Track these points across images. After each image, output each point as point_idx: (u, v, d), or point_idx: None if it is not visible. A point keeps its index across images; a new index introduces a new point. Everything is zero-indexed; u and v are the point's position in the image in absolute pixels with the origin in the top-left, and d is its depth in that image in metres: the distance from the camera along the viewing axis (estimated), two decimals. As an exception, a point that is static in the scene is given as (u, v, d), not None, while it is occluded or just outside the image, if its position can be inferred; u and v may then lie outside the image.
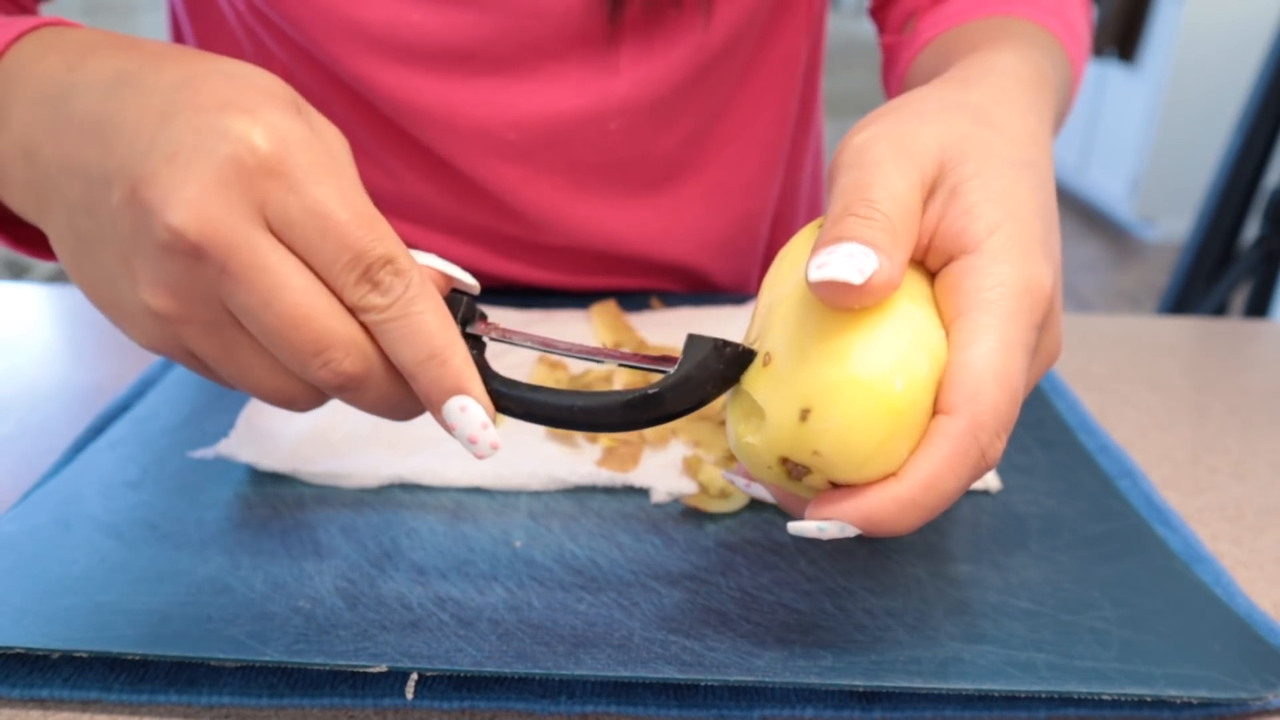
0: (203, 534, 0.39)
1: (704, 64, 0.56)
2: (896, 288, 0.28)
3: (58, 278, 2.76)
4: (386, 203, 0.60)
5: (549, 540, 0.39)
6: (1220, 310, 1.47)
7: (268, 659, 0.32)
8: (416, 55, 0.52)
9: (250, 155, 0.28)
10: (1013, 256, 0.29)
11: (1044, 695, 0.32)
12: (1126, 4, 3.19)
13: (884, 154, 0.30)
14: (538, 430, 0.46)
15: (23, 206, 0.33)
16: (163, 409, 0.48)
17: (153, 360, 0.55)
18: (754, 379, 0.29)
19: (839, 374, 0.27)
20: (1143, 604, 0.36)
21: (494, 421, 0.31)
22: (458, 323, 0.32)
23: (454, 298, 0.33)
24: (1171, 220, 3.21)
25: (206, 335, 0.30)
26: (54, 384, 0.55)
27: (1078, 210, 3.59)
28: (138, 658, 0.32)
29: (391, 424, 0.46)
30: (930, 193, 0.30)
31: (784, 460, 0.29)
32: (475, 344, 0.33)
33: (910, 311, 0.28)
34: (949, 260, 0.30)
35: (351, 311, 0.30)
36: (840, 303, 0.27)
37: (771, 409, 0.28)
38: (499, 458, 0.44)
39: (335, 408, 0.47)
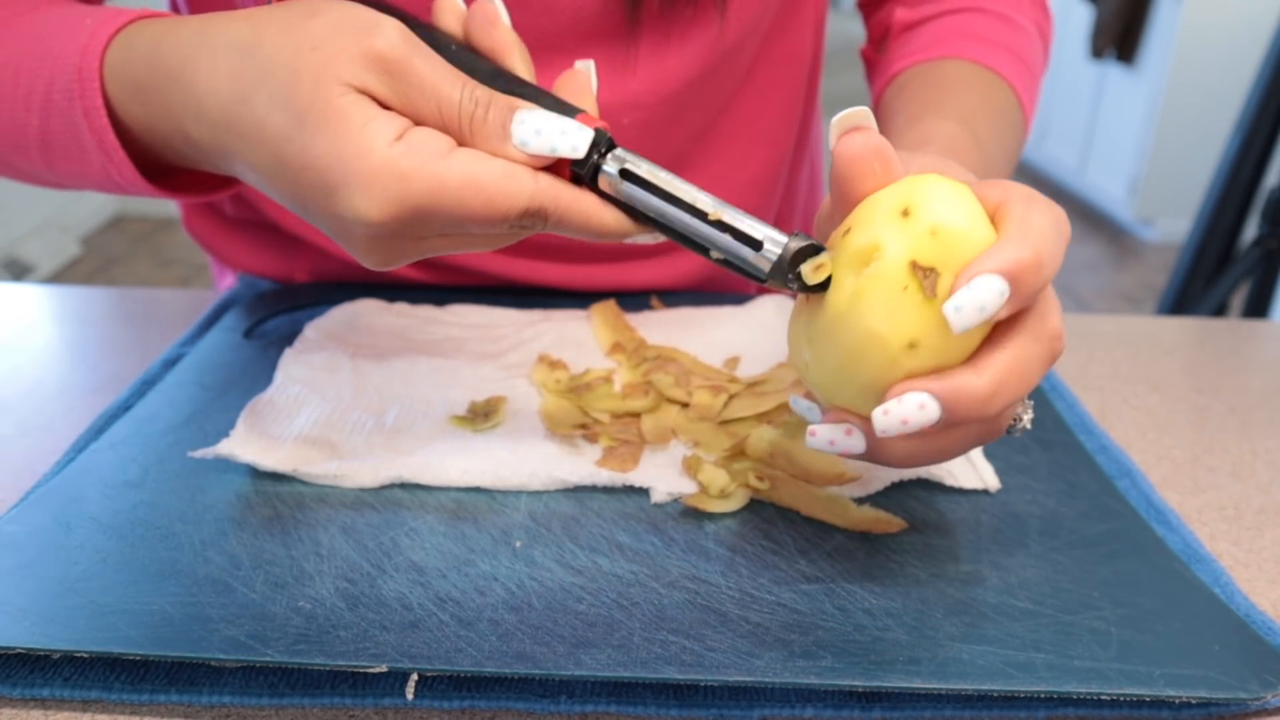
0: (203, 534, 0.39)
1: (717, 59, 0.57)
2: None
3: (58, 278, 2.76)
4: None
5: (549, 540, 0.39)
6: (1219, 310, 1.47)
7: (268, 659, 0.32)
8: None
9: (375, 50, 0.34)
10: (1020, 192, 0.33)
11: (1043, 695, 0.32)
12: (1125, 5, 3.19)
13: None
14: (538, 430, 0.46)
15: (214, 155, 0.38)
16: (163, 409, 0.48)
17: (152, 361, 0.55)
18: (842, 247, 0.32)
19: (908, 184, 0.32)
20: (1142, 604, 0.36)
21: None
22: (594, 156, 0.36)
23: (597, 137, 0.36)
24: (1171, 221, 3.21)
25: (413, 247, 0.37)
26: (55, 384, 0.55)
27: (1077, 211, 3.59)
28: (138, 658, 0.32)
29: (392, 424, 0.46)
30: None
31: (913, 265, 0.30)
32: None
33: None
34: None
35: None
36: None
37: (879, 232, 0.31)
38: (499, 458, 0.44)
39: (335, 408, 0.47)
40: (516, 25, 0.52)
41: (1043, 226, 0.31)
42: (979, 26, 0.57)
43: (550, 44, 0.53)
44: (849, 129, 0.33)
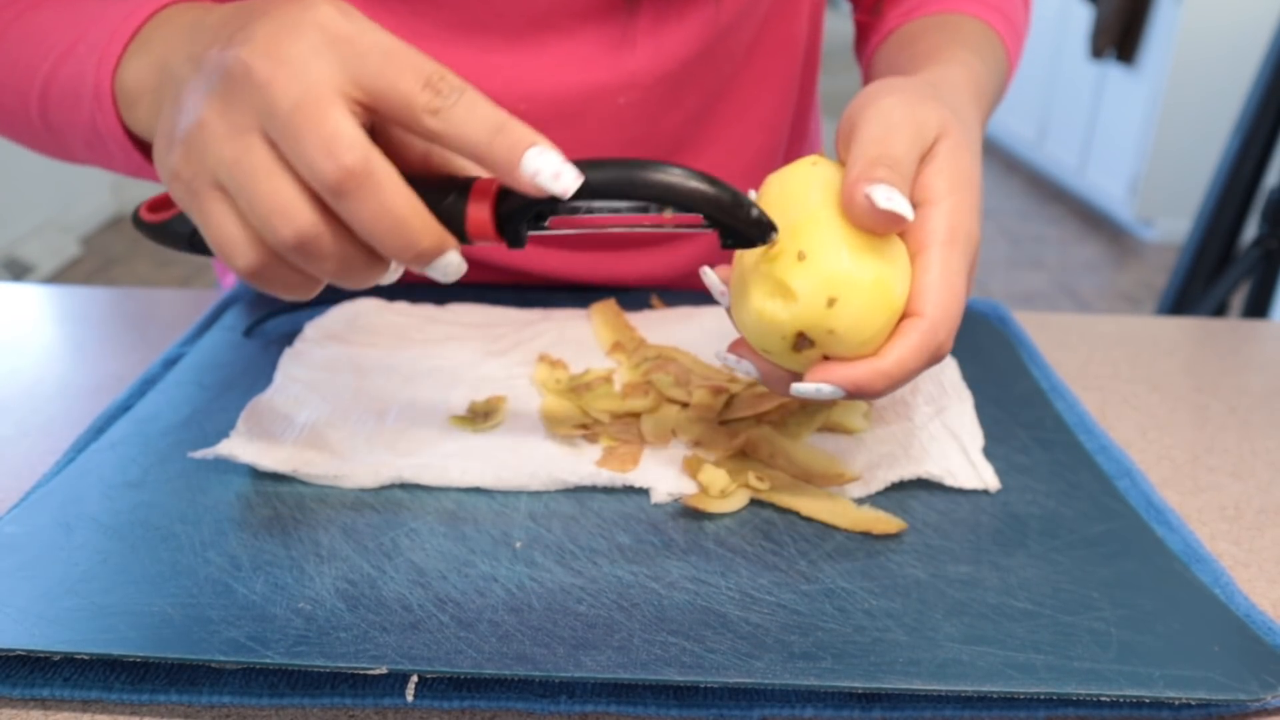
0: (203, 535, 0.39)
1: (713, 38, 0.57)
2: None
3: (58, 278, 2.76)
4: None
5: (549, 541, 0.39)
6: (1220, 310, 1.47)
7: (268, 661, 0.32)
8: (428, 28, 0.53)
9: (327, 22, 0.33)
10: (962, 214, 0.38)
11: (1043, 696, 0.32)
12: (1125, 5, 3.19)
13: (904, 121, 0.38)
14: (538, 430, 0.46)
15: (147, 119, 0.41)
16: (163, 409, 0.48)
17: (152, 361, 0.55)
18: (789, 269, 0.36)
19: (864, 276, 0.35)
20: (1142, 604, 0.36)
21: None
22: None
23: None
24: (1171, 221, 3.21)
25: (229, 141, 0.34)
26: (54, 385, 0.55)
27: (1077, 211, 3.59)
28: (139, 659, 0.32)
29: (392, 424, 0.46)
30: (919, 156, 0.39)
31: (800, 334, 0.36)
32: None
33: (898, 242, 0.38)
34: (917, 203, 0.38)
35: (422, 135, 0.34)
36: (881, 228, 0.36)
37: (804, 293, 0.36)
38: (499, 459, 0.44)
39: (335, 407, 0.47)
40: (512, 7, 0.53)
41: (945, 312, 0.37)
42: None
43: (550, 23, 0.54)
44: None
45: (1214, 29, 2.99)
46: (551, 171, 0.33)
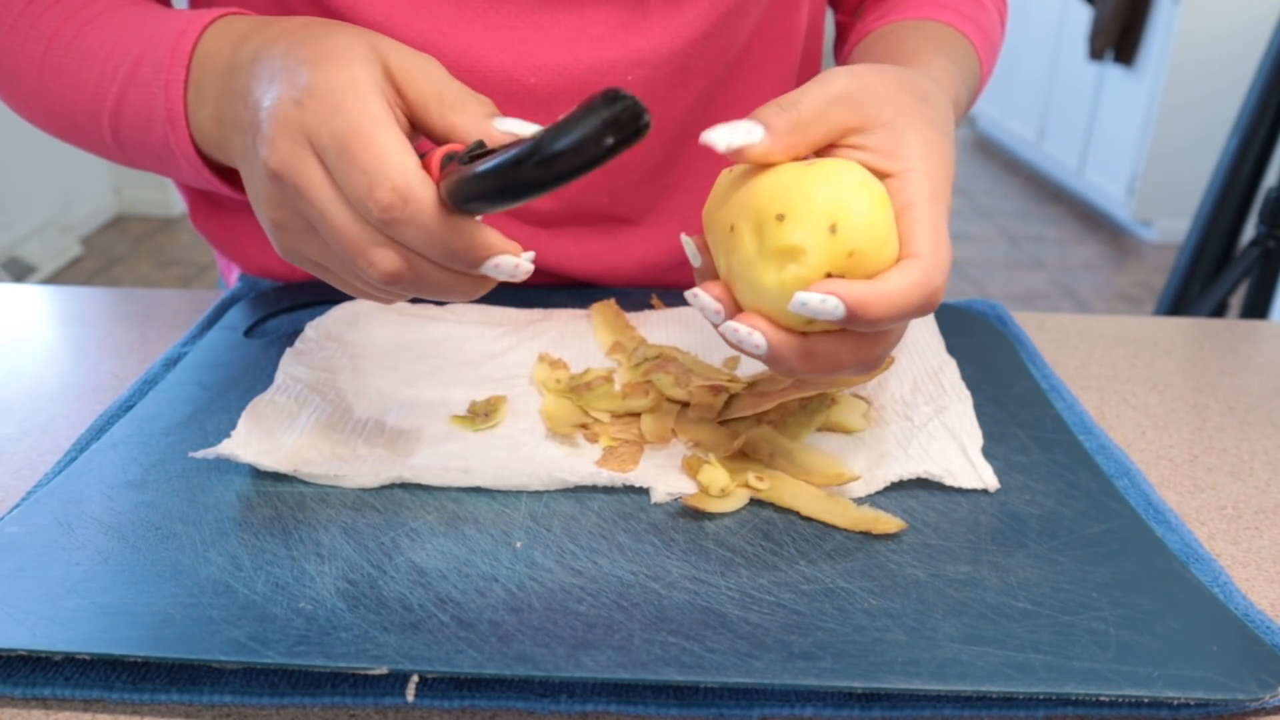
0: (204, 535, 0.39)
1: (720, 19, 0.58)
2: (772, 155, 0.38)
3: (59, 278, 2.76)
4: None
5: (549, 541, 0.39)
6: (1218, 310, 1.47)
7: (269, 661, 0.32)
8: (440, 3, 0.53)
9: (296, 93, 0.36)
10: (938, 176, 0.39)
11: (1042, 696, 0.32)
12: (1124, 6, 3.19)
13: (836, 79, 0.39)
14: (538, 430, 0.47)
15: (226, 157, 0.44)
16: (164, 409, 0.48)
17: (153, 361, 0.56)
18: (780, 233, 0.36)
19: (842, 191, 0.36)
20: (1141, 604, 0.37)
21: (522, 256, 0.36)
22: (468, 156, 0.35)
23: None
24: (1169, 221, 3.22)
25: (304, 239, 0.38)
26: (56, 385, 0.55)
27: (1076, 211, 3.59)
28: (140, 659, 0.33)
29: (392, 424, 0.46)
30: (857, 128, 0.39)
31: (829, 274, 0.36)
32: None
33: (853, 162, 0.38)
34: (895, 171, 0.38)
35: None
36: (747, 159, 0.37)
37: (808, 240, 0.36)
38: (499, 458, 0.44)
39: (335, 407, 0.47)
40: None
41: (943, 259, 0.37)
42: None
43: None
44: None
45: (1213, 30, 3.00)
46: (508, 275, 0.36)
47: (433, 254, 0.35)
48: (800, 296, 0.36)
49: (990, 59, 0.63)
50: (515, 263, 0.36)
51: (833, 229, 0.35)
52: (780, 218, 0.36)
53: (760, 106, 0.38)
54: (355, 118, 0.35)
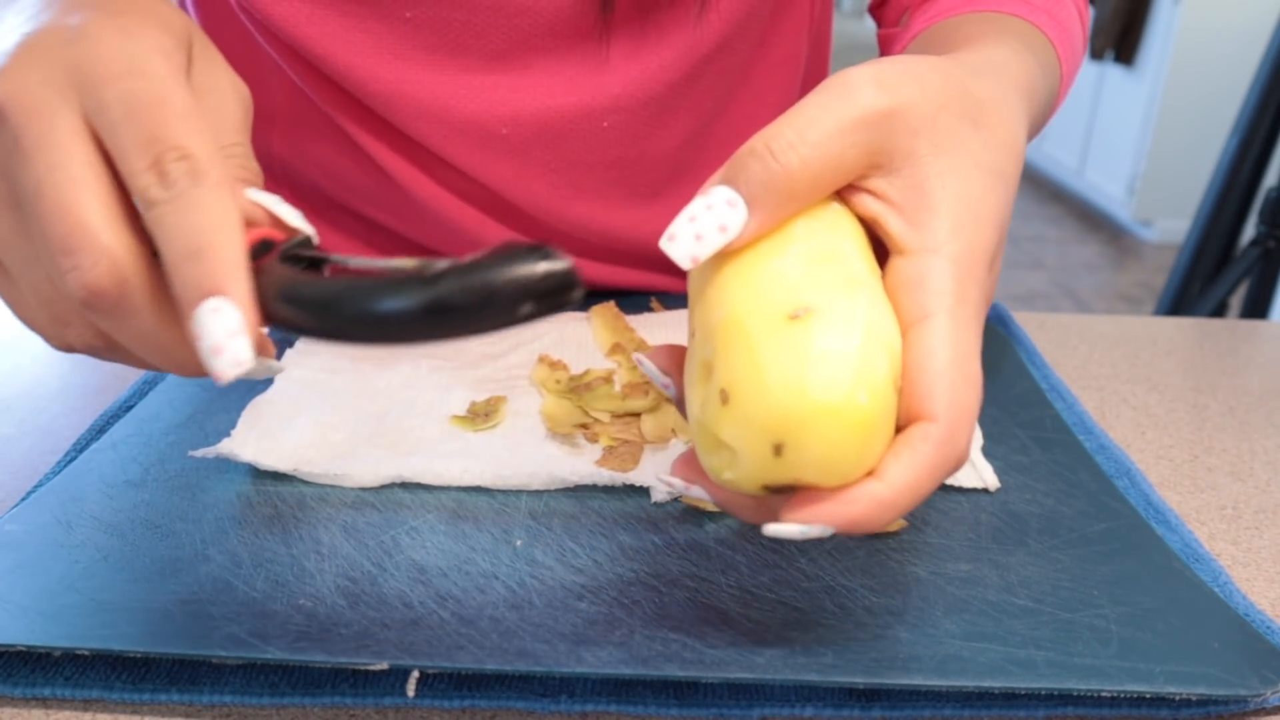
0: (204, 533, 0.39)
1: (699, 62, 0.56)
2: (760, 237, 0.29)
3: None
4: (380, 199, 0.60)
5: (549, 539, 0.39)
6: (1218, 310, 1.47)
7: (269, 657, 0.32)
8: (408, 49, 0.53)
9: (71, 34, 0.28)
10: (976, 267, 0.29)
11: (1044, 692, 0.32)
12: (1124, 6, 3.19)
13: (836, 85, 0.29)
14: (538, 430, 0.47)
15: None
16: (164, 409, 0.48)
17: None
18: (717, 418, 0.28)
19: (803, 405, 0.26)
20: (1141, 602, 0.37)
21: (252, 334, 0.27)
22: (269, 256, 0.28)
23: (270, 243, 0.29)
24: (1169, 221, 3.22)
25: None
26: (56, 384, 0.55)
27: (1076, 211, 3.59)
28: (139, 656, 0.33)
29: (392, 424, 0.46)
30: (879, 166, 0.30)
31: (767, 487, 0.28)
32: (301, 263, 0.29)
33: (855, 307, 0.27)
34: (904, 249, 0.29)
35: (139, 212, 0.28)
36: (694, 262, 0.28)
37: (743, 448, 0.27)
38: (499, 458, 0.44)
39: (335, 408, 0.47)
40: (494, 25, 0.52)
41: (967, 409, 0.28)
42: None
43: (530, 45, 0.53)
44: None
45: (1212, 30, 3.00)
46: (211, 344, 0.26)
47: (173, 248, 0.27)
48: (770, 529, 0.28)
49: (1071, 61, 0.49)
50: (236, 332, 0.26)
51: (777, 450, 0.26)
52: (724, 397, 0.27)
53: (744, 147, 0.29)
54: (162, 86, 0.28)
